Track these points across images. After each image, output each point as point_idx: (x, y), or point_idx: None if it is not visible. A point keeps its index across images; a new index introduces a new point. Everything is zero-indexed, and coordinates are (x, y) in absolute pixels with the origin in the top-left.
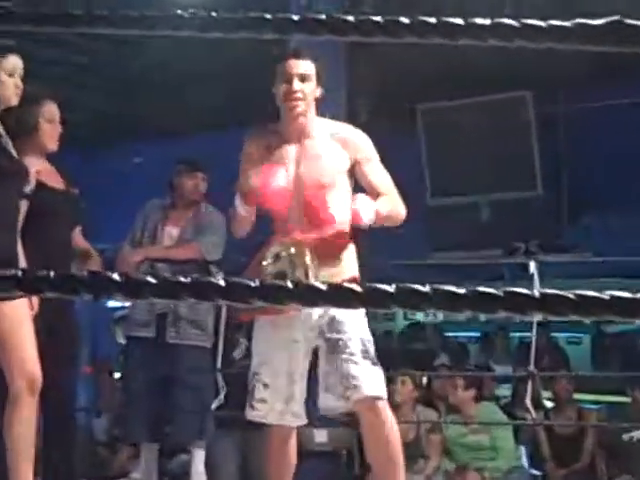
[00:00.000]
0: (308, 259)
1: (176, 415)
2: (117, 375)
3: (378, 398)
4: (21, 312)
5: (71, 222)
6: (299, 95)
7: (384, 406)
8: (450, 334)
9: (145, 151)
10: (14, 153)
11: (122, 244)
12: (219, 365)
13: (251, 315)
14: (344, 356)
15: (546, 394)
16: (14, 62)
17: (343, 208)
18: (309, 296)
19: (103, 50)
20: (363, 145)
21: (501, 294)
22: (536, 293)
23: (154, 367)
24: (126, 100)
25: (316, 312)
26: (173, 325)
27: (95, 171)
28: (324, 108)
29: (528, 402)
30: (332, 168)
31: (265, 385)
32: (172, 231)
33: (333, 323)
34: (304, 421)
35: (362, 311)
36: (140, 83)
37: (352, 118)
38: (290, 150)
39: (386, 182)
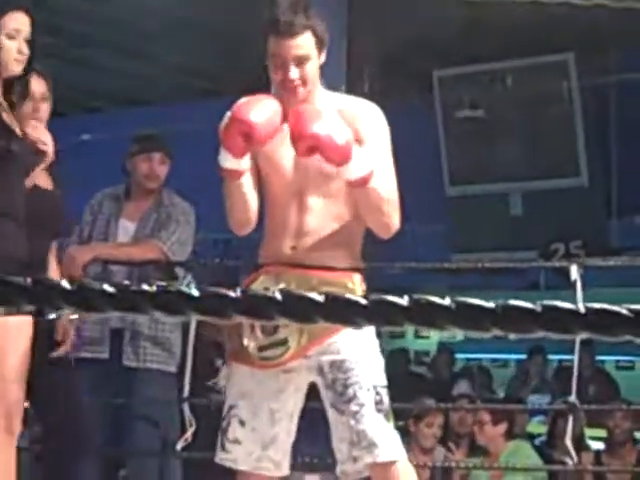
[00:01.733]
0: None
1: (132, 457)
2: None
3: (393, 462)
4: (10, 335)
5: (50, 231)
6: (297, 83)
7: (401, 469)
8: (470, 356)
9: (97, 125)
10: (17, 130)
11: (68, 241)
12: (186, 394)
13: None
14: (353, 407)
15: (594, 432)
16: (19, 21)
17: (349, 201)
18: (302, 310)
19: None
20: (366, 121)
21: (539, 309)
22: (581, 308)
23: (106, 396)
24: (75, 62)
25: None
26: (130, 344)
27: None
28: (320, 78)
29: (568, 442)
30: None
31: (241, 422)
32: (128, 226)
33: (337, 362)
34: (284, 472)
35: (376, 347)
36: (94, 41)
37: (353, 88)
38: (287, 131)
39: (382, 174)
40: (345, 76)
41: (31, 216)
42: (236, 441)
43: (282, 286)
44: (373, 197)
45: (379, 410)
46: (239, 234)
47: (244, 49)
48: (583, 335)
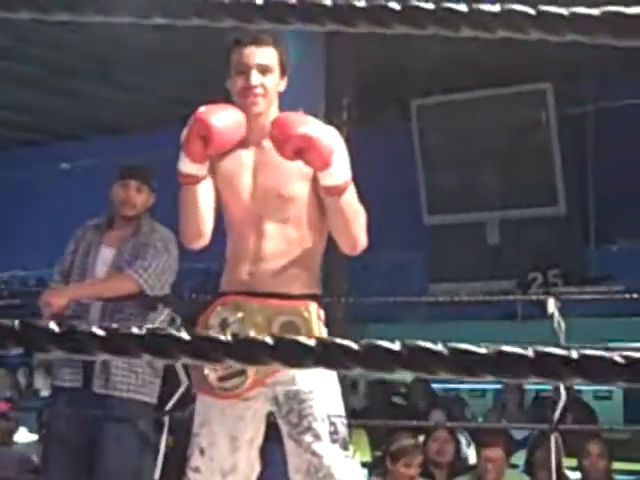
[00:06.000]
0: (264, 327)
1: None
2: (31, 437)
3: None
4: None
5: None
6: (258, 91)
7: None
8: (447, 386)
9: (79, 153)
10: None
11: (49, 275)
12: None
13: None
14: (308, 438)
15: (572, 462)
16: None
17: (307, 224)
18: (294, 355)
19: (29, 28)
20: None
21: (531, 355)
22: (574, 354)
23: (79, 427)
24: (61, 91)
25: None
26: (103, 370)
27: (11, 179)
28: (298, 106)
29: (552, 468)
30: (295, 176)
31: (201, 451)
32: (107, 253)
33: (291, 392)
34: None
35: (333, 375)
36: (78, 69)
37: (331, 116)
38: (246, 155)
39: (351, 189)
40: (324, 105)
41: None
42: (197, 470)
43: (240, 316)
44: (348, 208)
45: (334, 440)
46: (191, 247)
47: (220, 78)
48: (575, 382)
